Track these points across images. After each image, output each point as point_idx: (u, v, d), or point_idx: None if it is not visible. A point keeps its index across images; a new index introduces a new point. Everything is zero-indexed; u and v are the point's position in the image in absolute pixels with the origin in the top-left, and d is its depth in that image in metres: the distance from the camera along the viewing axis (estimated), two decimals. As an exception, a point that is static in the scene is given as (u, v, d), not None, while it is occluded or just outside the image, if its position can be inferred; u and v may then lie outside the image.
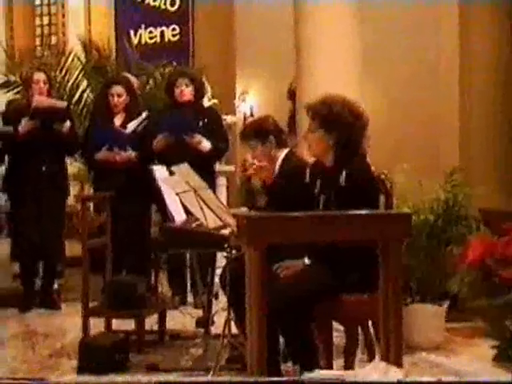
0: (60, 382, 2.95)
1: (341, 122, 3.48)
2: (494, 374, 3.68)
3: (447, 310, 4.56)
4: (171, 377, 3.96)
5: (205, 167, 4.97)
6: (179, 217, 4.26)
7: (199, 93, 5.69)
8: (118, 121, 5.69)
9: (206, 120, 5.59)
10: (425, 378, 3.76)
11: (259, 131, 4.08)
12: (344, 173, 3.47)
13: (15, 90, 7.30)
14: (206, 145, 5.51)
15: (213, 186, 5.32)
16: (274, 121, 4.18)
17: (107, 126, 5.64)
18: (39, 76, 5.81)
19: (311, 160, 3.84)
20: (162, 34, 10.41)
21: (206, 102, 6.18)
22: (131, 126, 5.63)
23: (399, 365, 2.72)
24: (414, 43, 8.50)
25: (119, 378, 3.94)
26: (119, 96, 5.64)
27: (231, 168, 7.13)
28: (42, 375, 4.06)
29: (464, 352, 4.40)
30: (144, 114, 5.72)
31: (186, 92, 5.56)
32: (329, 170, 3.58)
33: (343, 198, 3.41)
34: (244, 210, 4.27)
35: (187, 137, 5.43)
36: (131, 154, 5.58)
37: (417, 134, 8.42)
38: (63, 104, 5.93)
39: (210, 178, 5.03)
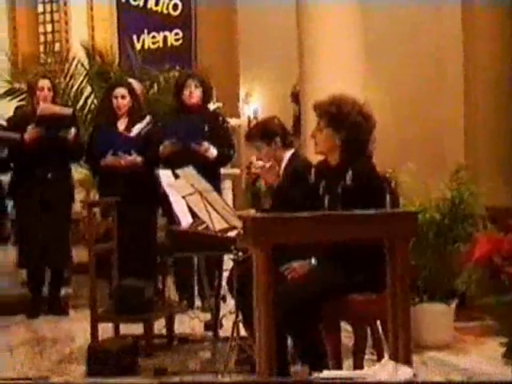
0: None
1: (349, 122, 3.48)
2: (504, 371, 3.67)
3: (455, 308, 4.55)
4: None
5: (210, 171, 4.97)
6: (185, 220, 4.25)
7: (207, 96, 5.68)
8: (121, 125, 5.70)
9: (211, 125, 5.58)
10: (436, 378, 3.76)
11: (265, 132, 4.08)
12: (349, 172, 3.46)
13: (19, 98, 7.31)
14: (212, 152, 5.50)
15: (218, 189, 5.32)
16: (279, 122, 4.18)
17: (111, 130, 5.65)
18: (44, 83, 5.83)
19: (316, 160, 3.84)
20: (165, 38, 10.41)
21: (211, 106, 6.18)
22: (136, 129, 5.64)
23: (408, 364, 2.71)
24: (418, 43, 8.49)
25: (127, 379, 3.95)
26: (123, 98, 5.66)
27: (236, 171, 7.13)
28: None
29: (473, 351, 4.38)
30: (148, 118, 5.73)
31: (194, 94, 5.55)
32: (334, 169, 3.58)
33: (348, 198, 3.41)
34: (252, 211, 4.26)
35: (195, 145, 5.42)
36: (136, 158, 5.59)
37: (422, 132, 8.41)
38: (69, 111, 5.94)
39: (215, 181, 5.03)
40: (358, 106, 3.56)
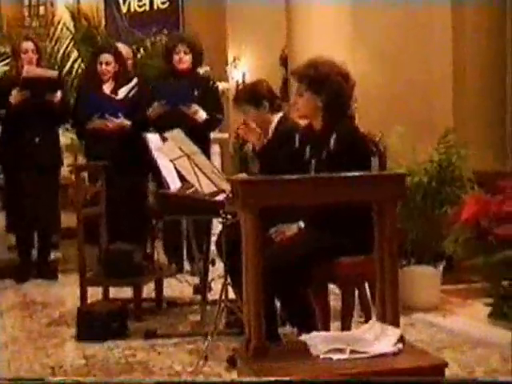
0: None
1: (329, 83, 3.47)
2: (489, 331, 3.72)
3: (443, 271, 4.59)
4: (170, 341, 3.99)
5: (199, 136, 4.95)
6: (174, 184, 4.25)
7: (197, 61, 5.63)
8: (106, 89, 5.68)
9: (201, 89, 5.56)
10: (423, 339, 3.79)
11: (253, 95, 4.06)
12: (333, 136, 3.46)
13: (5, 62, 7.24)
14: (201, 114, 5.48)
15: (208, 153, 5.31)
16: (267, 85, 4.16)
17: (97, 93, 5.62)
18: (28, 45, 5.76)
19: (303, 124, 3.83)
20: (151, 1, 10.31)
21: (200, 70, 6.14)
22: (122, 92, 5.63)
23: (396, 325, 2.73)
24: (406, 5, 8.43)
25: (119, 345, 3.97)
26: (107, 64, 5.63)
27: (225, 135, 7.11)
28: (41, 343, 4.09)
29: (460, 312, 4.43)
30: (134, 81, 5.70)
31: (184, 59, 5.50)
32: (318, 134, 3.57)
33: (333, 162, 3.41)
34: (243, 175, 4.26)
35: (184, 107, 5.41)
36: (123, 121, 5.57)
37: (410, 95, 8.39)
38: (54, 73, 5.88)
39: (204, 146, 5.01)
40: (336, 67, 3.55)
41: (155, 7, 10.22)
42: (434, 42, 8.29)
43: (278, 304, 3.56)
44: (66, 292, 5.35)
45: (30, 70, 5.63)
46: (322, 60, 3.56)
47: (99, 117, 5.55)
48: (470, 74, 7.43)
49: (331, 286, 3.60)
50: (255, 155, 4.10)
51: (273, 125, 4.07)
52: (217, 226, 4.45)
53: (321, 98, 3.50)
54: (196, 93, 5.51)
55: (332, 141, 3.45)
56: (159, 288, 4.80)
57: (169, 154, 3.96)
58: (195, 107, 5.44)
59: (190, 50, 5.53)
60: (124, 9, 10.03)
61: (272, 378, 2.43)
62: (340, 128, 3.48)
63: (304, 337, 2.74)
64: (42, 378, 3.31)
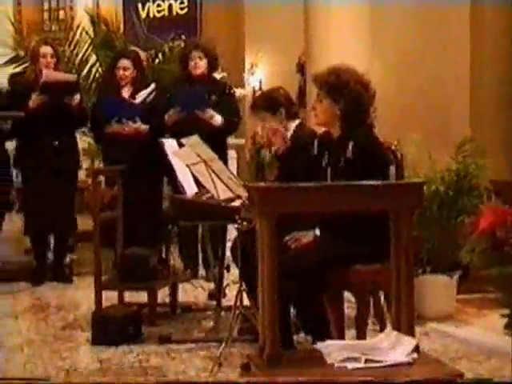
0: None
1: (348, 91, 3.47)
2: (504, 342, 3.69)
3: (458, 280, 4.57)
4: (184, 347, 4.00)
5: (217, 141, 4.96)
6: (190, 189, 4.26)
7: (212, 66, 5.67)
8: (125, 94, 5.73)
9: (218, 94, 5.59)
10: (438, 349, 3.78)
11: (270, 102, 4.07)
12: (351, 145, 3.46)
13: (24, 66, 7.28)
14: (217, 119, 5.51)
15: (225, 159, 5.32)
16: (284, 92, 4.16)
17: (115, 97, 5.66)
18: (46, 49, 5.81)
19: (320, 131, 3.83)
20: (170, 7, 10.34)
21: (217, 75, 6.16)
22: (140, 96, 5.67)
23: (411, 334, 2.73)
24: (424, 13, 8.41)
25: (133, 349, 3.98)
26: (125, 70, 5.68)
27: (241, 141, 7.13)
28: (56, 346, 4.10)
29: (475, 322, 4.41)
30: (152, 86, 5.74)
31: (199, 65, 5.55)
32: (336, 141, 3.57)
33: (351, 170, 3.40)
34: (261, 183, 4.26)
35: (199, 112, 5.43)
36: (141, 125, 5.60)
37: (427, 104, 8.36)
38: (73, 77, 5.94)
39: (222, 151, 5.03)
40: (356, 76, 3.54)
41: (174, 13, 10.25)
42: (451, 50, 8.26)
43: (292, 311, 3.55)
44: (81, 295, 5.37)
45: (49, 74, 5.67)
46: (344, 68, 3.56)
47: (117, 121, 5.59)
48: (488, 83, 7.39)
49: (346, 294, 3.59)
50: (277, 158, 4.11)
51: (290, 132, 4.08)
52: (232, 232, 4.46)
53: (339, 106, 3.50)
54: (213, 97, 5.54)
55: (350, 148, 3.45)
56: (174, 293, 4.81)
57: (185, 158, 3.97)
58: (210, 112, 5.47)
59: (205, 55, 5.57)
60: (143, 14, 10.07)
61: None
62: (358, 136, 3.47)
63: (319, 345, 2.74)
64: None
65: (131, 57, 5.81)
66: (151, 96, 5.69)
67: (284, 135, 3.97)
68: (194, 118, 5.40)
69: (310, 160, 3.74)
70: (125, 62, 5.70)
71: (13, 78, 6.13)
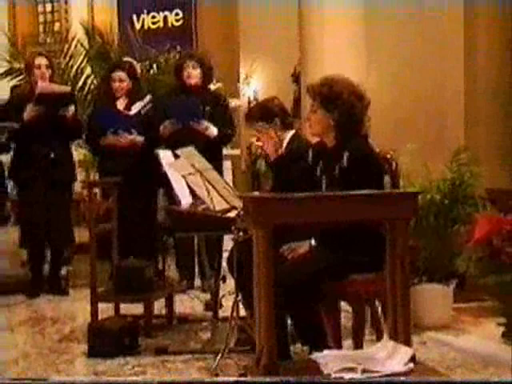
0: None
1: (341, 102, 3.47)
2: (501, 350, 3.69)
3: (454, 289, 4.57)
4: (181, 358, 3.98)
5: (212, 152, 4.97)
6: (186, 200, 4.26)
7: (207, 77, 5.68)
8: (120, 105, 5.73)
9: (212, 105, 5.60)
10: (435, 358, 3.77)
11: (265, 113, 4.07)
12: (346, 154, 3.46)
13: (19, 78, 7.29)
14: (212, 130, 5.52)
15: (220, 170, 5.32)
16: (279, 102, 4.17)
17: (110, 109, 5.66)
18: (40, 61, 5.82)
19: (314, 141, 3.84)
20: (165, 18, 10.37)
21: (212, 86, 6.18)
22: (135, 108, 5.67)
23: (408, 344, 2.72)
24: (419, 23, 8.44)
25: (129, 361, 3.97)
26: (121, 81, 5.69)
27: (236, 151, 7.13)
28: (53, 359, 4.09)
29: (472, 331, 4.40)
30: (148, 97, 5.74)
31: (193, 75, 5.56)
32: (330, 151, 3.57)
33: (346, 180, 3.40)
34: (257, 194, 4.27)
35: (194, 123, 5.44)
36: (136, 137, 5.60)
37: (422, 113, 8.38)
38: (67, 88, 5.94)
39: (217, 162, 5.03)
40: (350, 86, 3.54)
41: (169, 24, 10.28)
42: (445, 59, 8.29)
43: (289, 322, 3.55)
44: (77, 308, 5.36)
45: (44, 86, 5.68)
46: (337, 78, 3.56)
47: (113, 133, 5.59)
48: (482, 92, 7.41)
49: (343, 304, 3.58)
50: (269, 166, 4.11)
51: (285, 142, 4.08)
52: (228, 243, 4.45)
53: (333, 117, 3.51)
54: (207, 108, 5.55)
55: (345, 158, 3.45)
56: (170, 304, 4.80)
57: (181, 169, 3.97)
58: (205, 123, 5.47)
59: (199, 65, 5.59)
60: (138, 25, 10.09)
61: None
62: (353, 146, 3.47)
63: (315, 355, 2.73)
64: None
65: (126, 68, 5.82)
66: (147, 107, 5.70)
67: (276, 144, 3.97)
68: (189, 130, 5.41)
69: (305, 170, 3.74)
70: (120, 74, 5.71)
71: (12, 90, 6.15)
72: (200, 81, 5.60)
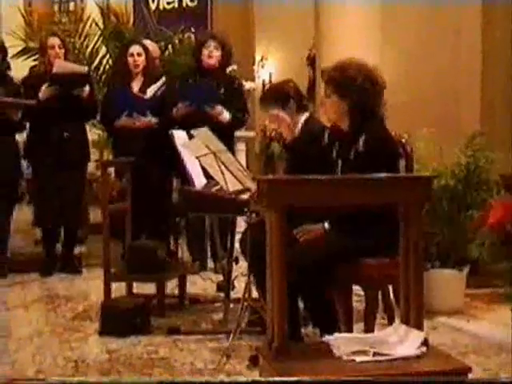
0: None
1: (354, 87, 3.44)
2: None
3: (467, 275, 4.56)
4: (193, 338, 4.00)
5: (225, 134, 4.96)
6: (199, 181, 4.26)
7: (226, 59, 5.61)
8: (136, 86, 5.69)
9: (226, 87, 5.55)
10: (446, 343, 3.77)
11: (279, 95, 4.05)
12: (363, 137, 3.44)
13: (34, 57, 7.30)
14: (225, 116, 5.49)
15: (233, 151, 5.31)
16: (294, 85, 4.15)
17: (126, 91, 5.64)
18: (54, 41, 5.81)
19: (330, 124, 3.82)
20: (180, -1, 10.34)
21: (227, 69, 6.14)
22: (150, 91, 5.64)
23: (420, 328, 2.72)
24: (435, 8, 8.37)
25: (141, 340, 3.99)
26: (139, 55, 5.63)
27: (250, 134, 7.11)
28: (66, 336, 4.12)
29: (484, 317, 4.40)
30: (163, 79, 5.71)
31: (213, 55, 5.49)
32: (346, 134, 3.56)
33: (361, 163, 3.39)
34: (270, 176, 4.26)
35: (208, 107, 5.41)
36: (151, 119, 5.59)
37: (438, 97, 8.33)
38: (83, 69, 5.92)
39: (229, 144, 5.02)
40: (364, 70, 3.49)
41: (184, 5, 10.25)
42: (462, 43, 8.23)
43: (301, 304, 3.55)
44: (90, 286, 5.40)
45: (61, 63, 5.67)
46: (351, 63, 3.52)
47: (127, 115, 5.58)
48: (499, 76, 7.36)
49: (355, 288, 3.59)
50: (284, 148, 4.10)
51: (299, 124, 4.07)
52: (241, 225, 4.46)
53: (346, 102, 3.48)
54: (221, 91, 5.51)
55: (361, 142, 3.43)
56: (182, 285, 4.82)
57: (195, 150, 3.97)
58: (219, 108, 5.44)
59: (221, 46, 5.52)
60: (153, 6, 10.07)
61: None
62: (369, 129, 3.45)
63: (327, 338, 2.73)
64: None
65: (142, 44, 5.78)
66: (161, 89, 5.67)
67: (291, 126, 3.96)
68: (202, 113, 5.39)
69: (320, 152, 3.73)
70: (137, 48, 5.66)
71: (30, 71, 6.16)
72: (219, 63, 5.55)
